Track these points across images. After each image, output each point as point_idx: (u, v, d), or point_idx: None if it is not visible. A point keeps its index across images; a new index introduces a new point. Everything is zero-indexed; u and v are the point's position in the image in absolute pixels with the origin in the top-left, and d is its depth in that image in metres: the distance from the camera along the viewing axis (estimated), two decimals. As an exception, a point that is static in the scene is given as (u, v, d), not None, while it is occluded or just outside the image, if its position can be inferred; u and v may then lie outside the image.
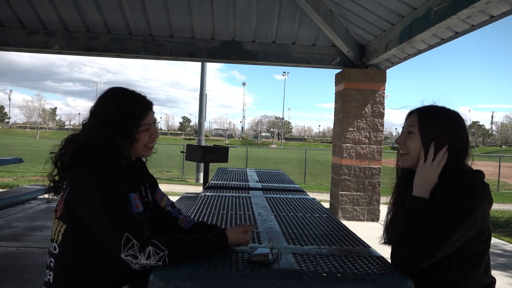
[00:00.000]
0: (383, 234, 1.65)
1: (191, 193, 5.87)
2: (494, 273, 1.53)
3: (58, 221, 1.50)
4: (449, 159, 1.45)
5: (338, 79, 6.99)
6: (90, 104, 1.60)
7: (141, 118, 1.57)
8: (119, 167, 1.51)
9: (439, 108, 1.53)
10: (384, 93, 6.66)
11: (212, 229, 1.67)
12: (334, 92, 7.19)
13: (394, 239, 1.46)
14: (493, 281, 1.49)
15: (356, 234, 1.95)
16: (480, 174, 1.47)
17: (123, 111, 1.54)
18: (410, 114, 1.55)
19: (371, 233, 5.60)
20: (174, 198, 5.58)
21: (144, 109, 1.59)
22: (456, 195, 1.37)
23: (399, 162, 1.58)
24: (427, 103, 1.56)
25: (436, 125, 1.47)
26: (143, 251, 1.35)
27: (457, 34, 4.79)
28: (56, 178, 1.53)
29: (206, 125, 16.97)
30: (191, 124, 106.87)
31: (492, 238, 1.54)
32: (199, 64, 12.82)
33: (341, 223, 2.21)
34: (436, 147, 1.45)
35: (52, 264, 1.49)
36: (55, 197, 1.57)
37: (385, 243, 1.63)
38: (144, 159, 1.75)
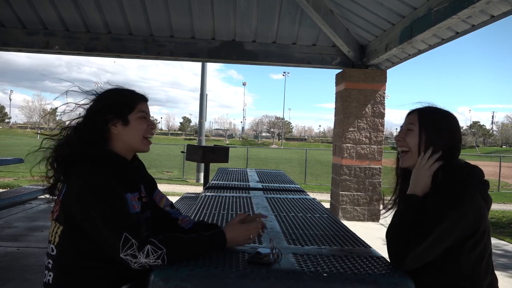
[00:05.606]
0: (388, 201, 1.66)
1: (192, 193, 5.86)
2: (495, 273, 1.53)
3: (55, 222, 1.50)
4: (443, 159, 1.47)
5: (339, 79, 6.99)
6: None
7: (135, 104, 1.57)
8: (115, 167, 1.50)
9: (438, 109, 1.56)
10: (384, 93, 6.66)
11: (212, 228, 1.66)
12: (335, 92, 7.19)
13: (386, 236, 1.47)
14: (495, 279, 1.49)
15: (357, 234, 1.95)
16: (473, 168, 1.48)
17: (116, 99, 1.56)
18: (410, 113, 1.58)
19: (371, 234, 5.61)
20: (174, 198, 5.58)
21: (137, 98, 1.60)
22: (446, 186, 1.40)
23: (400, 163, 1.59)
24: (426, 104, 1.58)
25: (434, 127, 1.51)
26: (141, 250, 1.34)
27: (457, 34, 4.79)
28: (52, 179, 1.53)
29: (206, 125, 16.99)
30: (191, 124, 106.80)
31: (493, 238, 1.54)
32: (196, 64, 12.85)
33: (342, 223, 2.20)
34: (432, 149, 1.48)
35: (50, 265, 1.49)
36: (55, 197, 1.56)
37: (389, 209, 1.64)
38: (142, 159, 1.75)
